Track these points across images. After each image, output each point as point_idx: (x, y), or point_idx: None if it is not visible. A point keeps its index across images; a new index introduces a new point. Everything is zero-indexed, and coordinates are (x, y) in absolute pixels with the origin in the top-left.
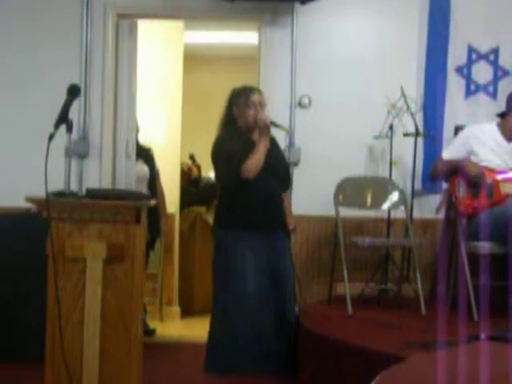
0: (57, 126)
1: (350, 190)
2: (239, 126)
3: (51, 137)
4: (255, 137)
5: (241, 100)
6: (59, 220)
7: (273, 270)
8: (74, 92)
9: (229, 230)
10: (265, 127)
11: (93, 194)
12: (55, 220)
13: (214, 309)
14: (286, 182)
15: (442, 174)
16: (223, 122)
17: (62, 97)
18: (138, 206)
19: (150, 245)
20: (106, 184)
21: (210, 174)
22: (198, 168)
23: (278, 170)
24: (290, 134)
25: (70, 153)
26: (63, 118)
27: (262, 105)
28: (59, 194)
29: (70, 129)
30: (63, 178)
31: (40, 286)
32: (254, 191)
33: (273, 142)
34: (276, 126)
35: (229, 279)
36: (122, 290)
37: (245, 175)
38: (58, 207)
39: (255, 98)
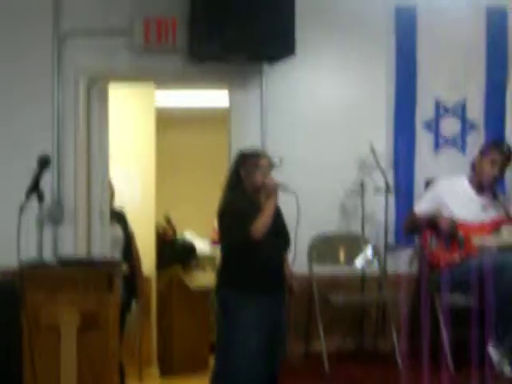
0: (28, 196)
1: (323, 247)
2: (246, 188)
3: (22, 208)
4: (262, 199)
5: (249, 163)
6: (32, 290)
7: (273, 330)
8: (43, 163)
9: (233, 290)
10: (272, 190)
11: (65, 262)
12: (28, 289)
13: (214, 370)
14: (287, 243)
15: (414, 227)
16: (230, 184)
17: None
18: (110, 273)
19: (126, 306)
20: (82, 249)
21: (185, 234)
22: (174, 230)
23: (280, 231)
24: (297, 197)
25: (42, 222)
26: (34, 189)
27: (269, 168)
28: (32, 265)
29: (41, 199)
30: (36, 244)
31: (14, 354)
32: (260, 253)
33: (276, 206)
34: (283, 188)
35: (231, 342)
36: (97, 356)
37: (253, 236)
38: (32, 277)
39: (264, 162)
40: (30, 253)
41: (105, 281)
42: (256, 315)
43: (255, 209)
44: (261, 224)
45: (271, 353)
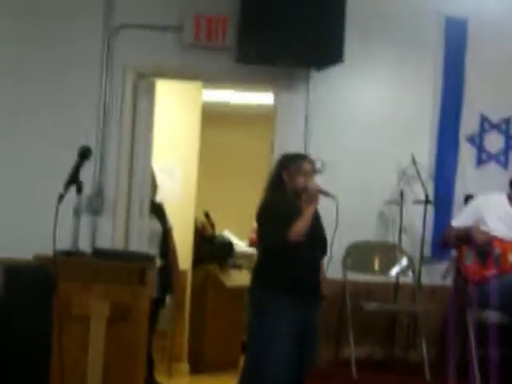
0: (66, 186)
1: (358, 255)
2: (287, 191)
3: (61, 197)
4: (302, 203)
5: (292, 167)
6: (66, 278)
7: (304, 336)
8: (84, 154)
9: (268, 291)
10: (314, 195)
11: (100, 253)
12: (62, 278)
13: (244, 370)
14: (323, 250)
15: (451, 241)
16: (271, 186)
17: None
18: (143, 267)
19: (160, 301)
20: (119, 241)
21: (224, 231)
22: (212, 226)
23: (319, 236)
24: (338, 202)
25: (79, 212)
26: (73, 180)
27: (312, 173)
28: (66, 253)
29: (79, 190)
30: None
31: (45, 342)
32: (297, 257)
33: (315, 211)
34: (324, 193)
35: (262, 342)
36: (125, 349)
37: (291, 239)
38: (65, 266)
39: (307, 166)
40: (66, 243)
41: (138, 274)
42: (287, 318)
43: (295, 212)
44: (299, 228)
45: (300, 358)
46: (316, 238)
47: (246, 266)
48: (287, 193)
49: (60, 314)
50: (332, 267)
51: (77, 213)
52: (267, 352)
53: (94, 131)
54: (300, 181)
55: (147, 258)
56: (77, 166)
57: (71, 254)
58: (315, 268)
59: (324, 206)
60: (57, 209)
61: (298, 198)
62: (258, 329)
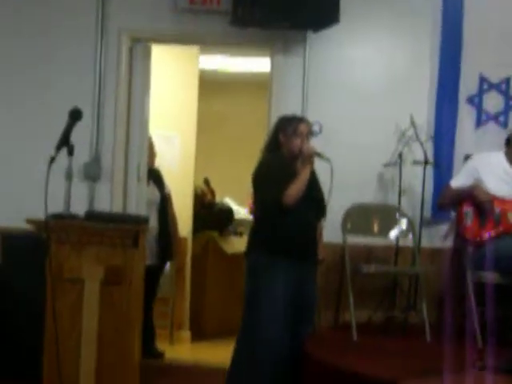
0: (58, 148)
1: (357, 217)
2: (284, 153)
3: (52, 159)
4: (298, 164)
5: (289, 128)
6: (58, 242)
7: (300, 298)
8: (75, 116)
9: (263, 254)
10: (308, 157)
11: (92, 216)
12: (54, 242)
13: (240, 332)
14: (321, 213)
15: (449, 202)
16: (268, 148)
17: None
18: (136, 230)
19: (160, 268)
20: (117, 208)
21: (224, 198)
22: (212, 192)
23: (316, 199)
24: (332, 165)
25: (70, 176)
26: (64, 142)
27: (308, 135)
28: (58, 216)
29: (71, 152)
30: (72, 200)
31: (40, 307)
32: (292, 219)
33: (312, 173)
34: (319, 156)
35: (258, 304)
36: (120, 312)
37: (285, 202)
38: (57, 229)
39: (303, 128)
40: (61, 208)
41: (131, 237)
42: (283, 281)
43: (291, 174)
44: (294, 190)
45: (298, 321)
46: (313, 201)
47: (247, 233)
48: (283, 155)
49: (53, 277)
50: (331, 230)
51: (68, 176)
52: (263, 314)
53: (90, 97)
54: (296, 142)
55: (141, 221)
56: (67, 127)
57: (63, 217)
58: (312, 231)
59: (323, 169)
60: (48, 171)
61: (295, 160)
62: (254, 291)
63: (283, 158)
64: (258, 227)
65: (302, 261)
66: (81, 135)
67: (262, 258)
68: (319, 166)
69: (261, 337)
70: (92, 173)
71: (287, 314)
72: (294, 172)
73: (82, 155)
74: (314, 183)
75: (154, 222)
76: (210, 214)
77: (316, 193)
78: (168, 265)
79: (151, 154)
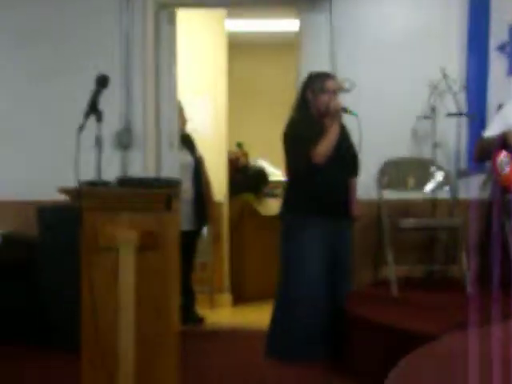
0: (86, 116)
1: (392, 173)
2: (312, 111)
3: (81, 127)
4: (327, 122)
5: (316, 85)
6: (91, 210)
7: (336, 257)
8: (102, 82)
9: (297, 214)
10: (337, 113)
11: (123, 182)
12: (87, 210)
13: (278, 293)
14: (354, 170)
15: (485, 153)
16: (296, 106)
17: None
18: (168, 193)
19: (196, 233)
20: (150, 174)
21: (257, 161)
22: (246, 155)
23: (347, 156)
24: (359, 119)
25: (100, 142)
26: (92, 109)
27: (336, 91)
28: (90, 184)
29: (99, 119)
30: (105, 168)
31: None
32: (323, 176)
33: (343, 128)
34: (346, 111)
35: (294, 265)
36: (156, 277)
37: (316, 160)
38: (90, 197)
39: (330, 84)
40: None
41: (163, 200)
42: (318, 239)
43: (319, 132)
44: (323, 148)
45: (336, 282)
46: (344, 158)
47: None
48: (311, 113)
49: (87, 246)
50: (366, 187)
51: (98, 143)
52: (299, 275)
53: (117, 64)
54: (323, 99)
55: (172, 184)
56: (95, 94)
57: (95, 185)
58: (344, 188)
59: (355, 126)
60: (78, 139)
61: (323, 117)
62: (290, 252)
63: (311, 116)
64: (291, 188)
65: (335, 219)
66: (110, 104)
67: (296, 218)
68: (350, 121)
69: (300, 296)
70: (124, 141)
71: (324, 272)
72: (323, 130)
73: (113, 124)
74: (344, 139)
75: (188, 188)
76: (245, 178)
77: (347, 149)
78: (205, 229)
79: (182, 119)
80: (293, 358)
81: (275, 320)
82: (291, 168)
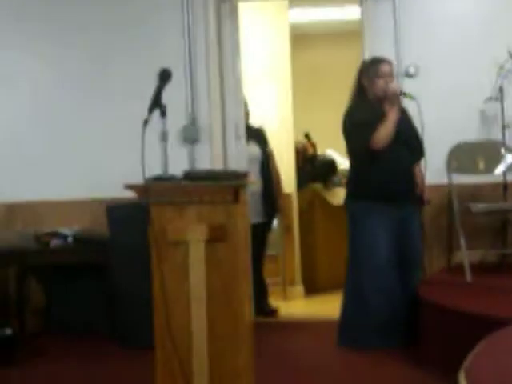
0: (150, 111)
1: (462, 156)
2: (369, 97)
3: (145, 122)
4: (386, 107)
5: (370, 71)
6: (159, 205)
7: (403, 241)
8: (164, 76)
9: (360, 202)
10: (394, 97)
11: (190, 176)
12: (155, 205)
13: (347, 282)
14: (418, 153)
15: None
16: (353, 94)
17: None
18: (235, 185)
19: (267, 225)
20: (218, 167)
21: (326, 151)
22: (314, 146)
23: (410, 140)
24: (418, 101)
25: (165, 136)
26: (156, 103)
27: (391, 75)
28: (157, 179)
29: (163, 113)
30: (173, 163)
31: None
32: (386, 162)
33: (404, 113)
34: (405, 95)
35: (361, 251)
36: (227, 270)
37: (375, 146)
38: (157, 191)
39: (385, 68)
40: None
41: (231, 193)
42: (382, 224)
43: (378, 118)
44: (383, 133)
45: (407, 269)
46: (406, 142)
47: None
48: (369, 99)
49: (157, 241)
50: (436, 171)
51: (164, 137)
52: (367, 263)
53: (181, 59)
54: (379, 84)
55: (240, 176)
56: (158, 89)
57: (162, 179)
58: (409, 174)
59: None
60: (143, 135)
61: (381, 102)
62: (356, 240)
63: (369, 102)
64: (353, 175)
65: (400, 204)
66: (176, 99)
67: (359, 205)
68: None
69: (370, 284)
70: (190, 135)
71: (394, 260)
72: (382, 115)
73: (179, 119)
74: (405, 123)
75: (257, 180)
76: (313, 168)
77: (409, 133)
78: (275, 222)
79: (245, 111)
80: (364, 347)
81: (346, 308)
82: (352, 155)
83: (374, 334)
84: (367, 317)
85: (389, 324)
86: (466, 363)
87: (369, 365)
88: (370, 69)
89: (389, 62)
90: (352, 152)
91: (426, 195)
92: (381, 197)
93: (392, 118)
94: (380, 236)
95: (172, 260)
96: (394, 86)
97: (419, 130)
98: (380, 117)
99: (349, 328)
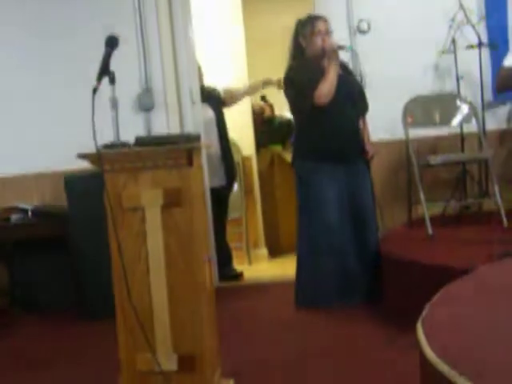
0: (99, 78)
1: (418, 110)
2: (308, 55)
3: (95, 90)
4: (325, 64)
5: (307, 30)
6: (113, 172)
7: (354, 199)
8: (111, 43)
9: (307, 161)
10: (332, 53)
11: (141, 141)
12: (109, 172)
13: (300, 244)
14: (362, 107)
15: (507, 82)
16: (292, 54)
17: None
18: (189, 149)
19: (227, 189)
20: (174, 132)
21: (283, 112)
22: (271, 107)
23: (353, 95)
24: (354, 52)
25: (115, 104)
26: (105, 71)
27: (327, 32)
28: (109, 146)
29: (112, 81)
30: (130, 131)
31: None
32: (330, 119)
33: (344, 68)
34: (342, 48)
35: (311, 211)
36: (184, 234)
37: (318, 101)
38: (110, 159)
39: (320, 26)
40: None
41: (185, 156)
42: (330, 183)
43: (319, 75)
44: (324, 89)
45: (360, 224)
46: (349, 95)
47: None
48: (307, 58)
49: (112, 208)
50: (392, 127)
51: (113, 105)
52: (317, 223)
53: (132, 26)
54: (316, 42)
55: (192, 139)
56: (106, 56)
57: (114, 147)
58: (352, 128)
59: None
60: (92, 103)
61: (321, 60)
62: (304, 198)
63: (308, 60)
64: (298, 134)
65: (347, 162)
66: (129, 66)
67: (306, 163)
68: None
69: (322, 244)
70: (145, 103)
71: (345, 219)
72: (322, 71)
73: (134, 86)
74: (347, 78)
75: (213, 143)
76: (271, 129)
77: (352, 87)
78: (236, 185)
79: (199, 73)
80: (321, 306)
81: (301, 270)
82: (297, 114)
83: (333, 292)
84: (323, 277)
85: (347, 282)
86: (424, 313)
87: (333, 322)
88: (306, 28)
89: (324, 19)
90: (296, 111)
91: (371, 150)
92: (328, 155)
93: (332, 72)
94: (328, 195)
95: (128, 227)
96: (330, 41)
97: (361, 80)
98: (320, 74)
99: (304, 289)
